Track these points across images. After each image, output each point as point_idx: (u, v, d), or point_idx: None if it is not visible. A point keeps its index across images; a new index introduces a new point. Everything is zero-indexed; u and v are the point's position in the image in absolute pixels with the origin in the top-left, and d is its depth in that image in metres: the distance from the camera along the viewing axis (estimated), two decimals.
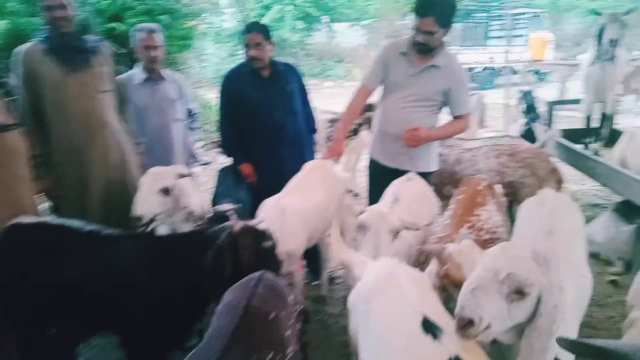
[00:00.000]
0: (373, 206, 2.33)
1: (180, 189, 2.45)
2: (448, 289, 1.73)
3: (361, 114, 3.75)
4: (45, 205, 2.74)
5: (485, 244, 2.09)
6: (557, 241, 1.90)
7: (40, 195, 2.65)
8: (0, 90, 2.32)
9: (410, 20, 2.75)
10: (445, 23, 2.67)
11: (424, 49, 2.74)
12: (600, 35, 4.21)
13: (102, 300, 1.99)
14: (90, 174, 2.64)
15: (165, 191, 2.37)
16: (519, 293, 1.36)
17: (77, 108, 2.59)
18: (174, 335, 2.05)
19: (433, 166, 3.07)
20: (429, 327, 1.43)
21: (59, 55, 2.54)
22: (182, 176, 2.48)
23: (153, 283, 2.00)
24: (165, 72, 3.34)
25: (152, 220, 2.33)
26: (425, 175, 2.91)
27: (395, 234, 2.13)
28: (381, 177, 2.85)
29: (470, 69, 14.05)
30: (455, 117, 2.94)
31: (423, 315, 1.47)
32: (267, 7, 16.57)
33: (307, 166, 2.92)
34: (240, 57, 3.11)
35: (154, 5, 6.66)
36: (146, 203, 2.31)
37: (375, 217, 2.14)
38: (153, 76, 3.22)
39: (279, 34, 15.80)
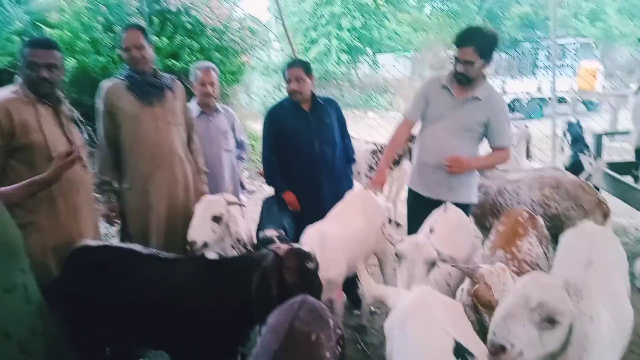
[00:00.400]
0: (410, 236, 2.35)
1: (230, 216, 2.62)
2: (478, 308, 1.76)
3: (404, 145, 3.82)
4: (109, 229, 2.93)
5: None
6: (596, 272, 1.91)
7: (103, 220, 2.85)
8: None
9: (453, 51, 2.83)
10: (485, 53, 2.72)
11: (464, 79, 2.79)
12: None
13: (156, 319, 2.11)
14: (154, 200, 2.78)
15: (217, 219, 2.53)
16: (550, 321, 1.39)
17: (149, 138, 2.76)
18: (221, 356, 2.13)
19: (474, 197, 3.07)
20: (461, 353, 1.47)
21: (136, 90, 2.75)
22: (232, 204, 2.64)
23: (204, 304, 2.09)
24: (219, 105, 3.54)
25: (204, 246, 2.47)
26: (465, 207, 2.92)
27: (432, 264, 2.14)
28: (420, 208, 2.87)
29: (517, 99, 13.90)
30: (495, 149, 2.95)
31: (455, 341, 1.51)
32: (314, 41, 17.07)
33: (349, 195, 3.01)
34: (285, 91, 3.27)
35: (208, 43, 7.06)
36: (200, 229, 2.48)
37: (412, 247, 2.16)
38: (207, 109, 3.43)
39: (325, 67, 16.20)
